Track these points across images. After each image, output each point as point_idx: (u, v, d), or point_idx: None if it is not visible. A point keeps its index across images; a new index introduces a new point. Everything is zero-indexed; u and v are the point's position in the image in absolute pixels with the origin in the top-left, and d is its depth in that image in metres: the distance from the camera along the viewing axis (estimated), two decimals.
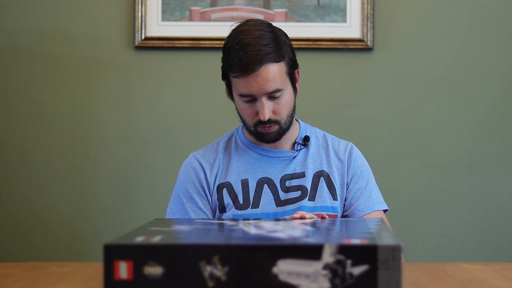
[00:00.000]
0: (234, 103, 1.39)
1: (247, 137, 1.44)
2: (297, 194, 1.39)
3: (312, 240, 0.94)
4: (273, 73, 1.29)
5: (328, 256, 0.83)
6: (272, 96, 1.30)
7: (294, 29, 2.14)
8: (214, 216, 1.41)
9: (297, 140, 1.44)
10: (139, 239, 0.88)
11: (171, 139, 2.17)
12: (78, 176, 2.16)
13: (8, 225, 2.16)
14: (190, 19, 2.14)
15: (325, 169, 1.42)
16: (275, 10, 2.14)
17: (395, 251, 0.83)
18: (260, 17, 2.14)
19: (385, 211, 1.46)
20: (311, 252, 0.83)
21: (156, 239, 0.88)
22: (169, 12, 2.14)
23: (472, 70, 2.16)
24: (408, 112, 2.16)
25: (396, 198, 2.15)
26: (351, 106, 2.16)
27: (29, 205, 2.16)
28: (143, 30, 2.12)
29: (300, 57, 2.13)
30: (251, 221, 1.11)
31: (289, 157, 1.42)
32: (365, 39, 2.12)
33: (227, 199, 1.38)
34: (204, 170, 1.42)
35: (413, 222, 2.14)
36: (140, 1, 2.11)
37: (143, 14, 2.12)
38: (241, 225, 1.06)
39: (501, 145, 2.15)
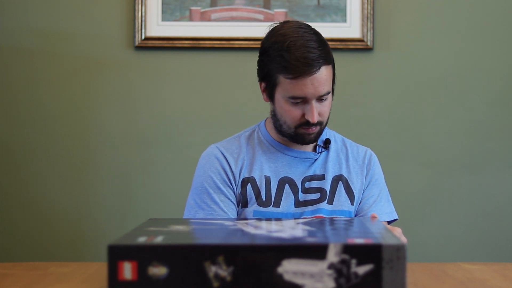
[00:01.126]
0: (274, 104, 1.37)
1: (272, 135, 1.43)
2: (316, 196, 1.39)
3: (316, 239, 0.94)
4: (327, 75, 1.30)
5: (333, 256, 0.83)
6: (321, 98, 1.31)
7: None
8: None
9: (318, 143, 1.44)
10: (141, 239, 0.88)
11: (171, 139, 2.17)
12: (78, 176, 2.16)
13: (8, 225, 2.15)
14: (190, 19, 2.14)
15: (344, 174, 1.43)
16: (275, 10, 2.14)
17: (399, 250, 0.83)
18: (260, 17, 2.14)
19: (394, 220, 1.48)
20: (316, 251, 0.83)
21: (159, 239, 0.88)
22: (169, 12, 2.14)
23: (472, 70, 2.16)
24: (408, 112, 2.16)
25: (396, 198, 2.14)
26: (351, 106, 2.16)
27: (29, 205, 2.16)
28: (143, 30, 2.12)
29: None
30: (249, 221, 1.10)
31: (311, 158, 1.42)
32: (365, 39, 2.12)
33: (250, 194, 1.38)
34: (228, 161, 1.40)
35: (413, 222, 2.14)
36: (140, 1, 2.11)
37: (143, 14, 2.11)
38: (240, 225, 1.06)
39: (501, 145, 2.16)
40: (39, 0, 2.14)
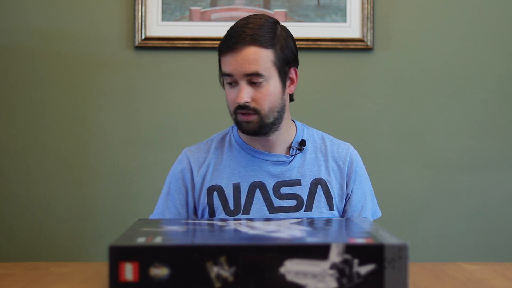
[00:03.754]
0: None
1: (241, 136, 1.40)
2: (292, 202, 1.35)
3: (317, 240, 0.94)
4: (255, 55, 1.27)
5: (335, 256, 0.82)
6: (252, 81, 1.28)
7: (294, 29, 2.11)
8: (190, 216, 1.40)
9: (292, 144, 1.39)
10: (141, 240, 0.88)
11: (171, 139, 2.16)
12: (78, 176, 2.16)
13: (8, 225, 2.15)
14: (190, 19, 2.13)
15: (323, 176, 1.38)
16: (275, 10, 2.14)
17: (401, 250, 0.83)
18: None
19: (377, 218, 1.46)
20: (318, 252, 0.83)
21: (158, 240, 0.88)
22: (169, 12, 2.13)
23: (472, 70, 2.16)
24: (408, 112, 2.16)
25: (396, 198, 2.15)
26: (351, 106, 2.16)
27: (29, 205, 2.16)
28: (143, 30, 2.12)
29: (300, 57, 2.15)
30: (242, 221, 1.10)
31: (284, 161, 1.37)
32: (365, 39, 2.12)
33: (217, 204, 1.35)
34: (191, 169, 1.39)
35: (413, 222, 2.14)
36: (140, 1, 2.11)
37: (143, 14, 2.11)
38: (232, 225, 1.05)
39: (501, 145, 2.16)
40: (39, 0, 2.14)
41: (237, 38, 1.27)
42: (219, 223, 1.09)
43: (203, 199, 1.36)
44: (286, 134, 1.39)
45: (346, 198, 1.40)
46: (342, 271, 0.82)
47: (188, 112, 2.16)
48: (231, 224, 1.06)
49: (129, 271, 0.83)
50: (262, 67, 1.27)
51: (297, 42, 2.14)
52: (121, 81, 2.16)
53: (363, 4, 2.11)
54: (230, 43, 1.28)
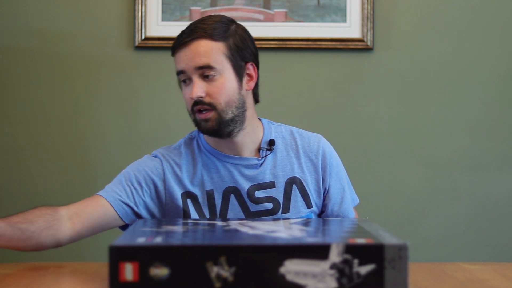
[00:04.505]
0: None
1: (208, 140, 1.35)
2: (268, 206, 1.31)
3: (317, 240, 0.94)
4: (205, 48, 1.25)
5: (335, 256, 0.82)
6: (204, 74, 1.25)
7: (294, 29, 2.14)
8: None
9: (261, 145, 1.35)
10: (141, 240, 0.88)
11: (170, 139, 2.15)
12: (77, 176, 2.16)
13: None
14: (190, 19, 2.13)
15: (297, 174, 1.34)
16: (275, 10, 2.14)
17: (401, 250, 0.83)
18: (260, 17, 2.14)
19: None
20: (318, 252, 0.83)
21: (158, 240, 0.88)
22: (169, 12, 2.13)
23: (472, 70, 2.16)
24: (408, 112, 2.16)
25: (396, 198, 2.15)
26: (351, 106, 2.16)
27: (28, 205, 2.15)
28: (143, 30, 2.12)
29: (300, 57, 2.17)
30: (243, 221, 1.10)
31: (255, 164, 1.33)
32: (365, 39, 2.12)
33: (193, 212, 1.31)
34: (164, 171, 1.33)
35: (413, 222, 2.14)
36: (140, 1, 2.11)
37: (143, 14, 2.11)
38: (232, 225, 1.05)
39: (501, 145, 2.16)
40: (39, 0, 2.14)
41: (188, 33, 1.26)
42: (220, 223, 1.09)
43: (177, 204, 1.31)
44: (252, 134, 1.34)
45: (324, 193, 1.36)
46: (342, 271, 0.82)
47: (187, 112, 2.16)
48: (231, 224, 1.06)
49: (129, 271, 0.83)
50: (213, 59, 1.25)
51: (297, 42, 2.17)
52: (121, 81, 2.16)
53: (363, 4, 2.11)
54: (181, 39, 1.27)
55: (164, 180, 1.33)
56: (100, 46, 2.15)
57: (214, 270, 0.83)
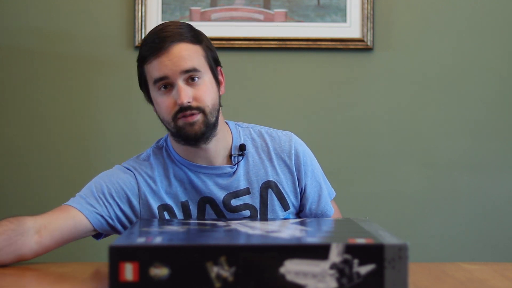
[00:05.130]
0: (154, 106, 1.28)
1: (178, 151, 1.31)
2: (246, 213, 1.29)
3: (317, 240, 0.94)
4: (189, 51, 1.22)
5: (335, 256, 0.83)
6: (191, 77, 1.21)
7: (294, 29, 2.14)
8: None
9: (232, 151, 1.31)
10: (141, 240, 0.88)
11: None
12: (77, 176, 2.16)
13: None
14: (190, 19, 2.13)
15: (272, 178, 1.31)
16: (275, 10, 2.14)
17: (401, 250, 0.83)
18: (260, 17, 2.14)
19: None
20: (318, 252, 0.83)
21: (158, 240, 0.88)
22: (169, 12, 2.13)
23: (472, 70, 2.16)
24: (408, 112, 2.16)
25: (396, 198, 2.15)
26: (351, 106, 2.16)
27: (28, 205, 2.15)
28: (143, 30, 2.12)
29: (300, 57, 2.17)
30: (243, 221, 1.10)
31: (228, 172, 1.29)
32: (365, 39, 2.12)
33: None
34: (138, 184, 1.29)
35: (413, 222, 2.14)
36: (140, 1, 2.11)
37: (143, 14, 2.11)
38: (232, 225, 1.05)
39: (501, 145, 2.16)
40: (39, 0, 2.14)
41: (162, 39, 1.21)
42: (219, 223, 1.09)
43: (154, 217, 1.28)
44: (223, 140, 1.30)
45: (300, 193, 1.34)
46: (342, 271, 0.82)
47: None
48: (231, 224, 1.06)
49: (129, 271, 0.83)
50: (197, 62, 1.22)
51: (297, 42, 2.17)
52: (121, 81, 2.16)
53: (363, 4, 2.11)
54: (157, 46, 1.21)
55: (139, 196, 1.29)
56: (100, 46, 2.15)
57: (214, 270, 0.83)
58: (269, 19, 2.13)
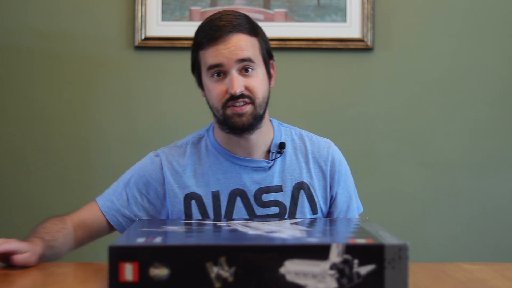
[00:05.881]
0: (205, 92, 1.30)
1: (219, 139, 1.32)
2: (275, 210, 1.29)
3: (317, 240, 0.94)
4: (246, 42, 1.24)
5: (335, 256, 0.82)
6: (245, 67, 1.23)
7: (294, 29, 2.14)
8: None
9: (271, 147, 1.32)
10: (141, 240, 0.88)
11: (170, 139, 2.14)
12: (77, 176, 2.16)
13: (7, 226, 2.15)
14: (190, 19, 2.13)
15: (306, 180, 1.32)
16: (275, 10, 2.14)
17: (401, 250, 0.83)
18: (260, 17, 2.14)
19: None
20: (318, 252, 0.83)
21: (158, 240, 0.88)
22: (169, 12, 2.13)
23: (472, 70, 2.16)
24: (408, 112, 2.16)
25: (396, 198, 2.15)
26: (351, 106, 2.16)
27: (28, 205, 2.16)
28: (143, 30, 2.12)
29: (300, 57, 2.16)
30: (244, 222, 1.10)
31: (264, 167, 1.30)
32: (365, 39, 2.12)
33: (196, 213, 1.28)
34: (163, 174, 1.32)
35: (413, 222, 2.14)
36: (140, 1, 2.11)
37: (143, 14, 2.11)
38: (232, 225, 1.05)
39: (501, 145, 2.16)
40: (39, 0, 2.14)
41: (219, 28, 1.23)
42: (220, 223, 1.09)
43: (179, 207, 1.29)
44: (265, 135, 1.32)
45: (330, 200, 1.34)
46: (342, 271, 0.82)
47: (187, 112, 2.16)
48: (232, 224, 1.06)
49: (129, 271, 0.83)
50: (252, 53, 1.24)
51: (297, 42, 2.17)
52: (121, 81, 2.16)
53: (363, 4, 2.11)
54: (215, 34, 1.22)
55: (164, 184, 1.32)
56: (100, 46, 2.15)
57: (214, 270, 0.83)
58: (269, 19, 2.13)
